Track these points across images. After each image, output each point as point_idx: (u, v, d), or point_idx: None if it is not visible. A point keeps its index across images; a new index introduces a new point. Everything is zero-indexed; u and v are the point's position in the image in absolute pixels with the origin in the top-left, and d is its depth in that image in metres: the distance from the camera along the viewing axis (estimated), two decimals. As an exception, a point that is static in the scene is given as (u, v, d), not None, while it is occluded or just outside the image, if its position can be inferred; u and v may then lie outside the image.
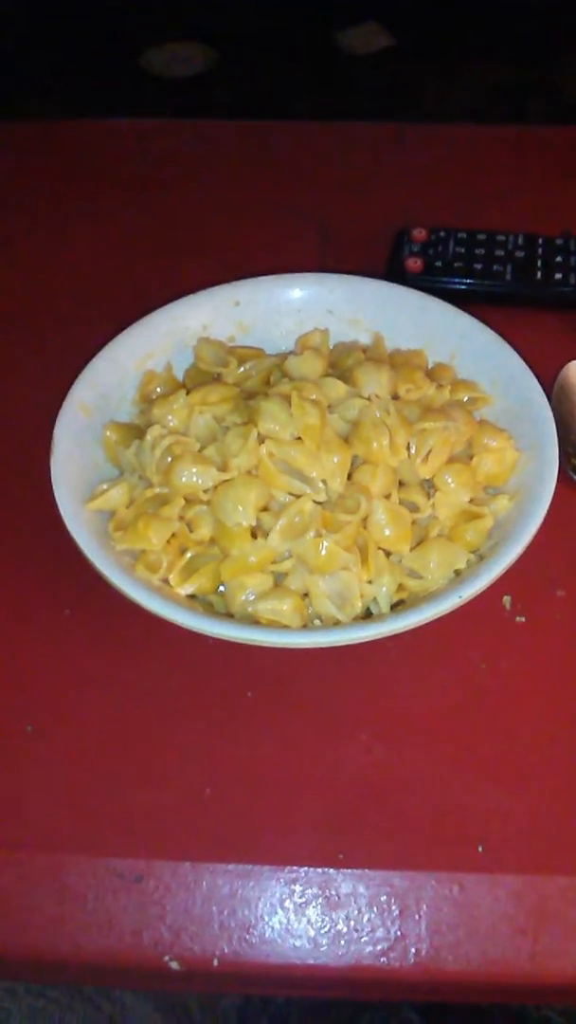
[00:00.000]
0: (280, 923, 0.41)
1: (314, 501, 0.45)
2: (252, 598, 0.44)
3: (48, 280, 0.65)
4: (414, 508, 0.47)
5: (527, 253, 0.62)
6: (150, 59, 1.99)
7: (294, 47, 1.99)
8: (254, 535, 0.45)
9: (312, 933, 0.41)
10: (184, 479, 0.46)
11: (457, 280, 0.62)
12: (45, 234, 0.68)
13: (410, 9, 2.05)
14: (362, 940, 0.40)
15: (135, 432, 0.50)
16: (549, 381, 0.55)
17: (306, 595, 0.45)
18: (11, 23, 2.03)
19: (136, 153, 0.75)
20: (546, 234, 0.63)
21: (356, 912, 0.41)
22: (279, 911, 0.41)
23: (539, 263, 0.62)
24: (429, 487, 0.48)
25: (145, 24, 2.05)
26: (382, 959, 0.40)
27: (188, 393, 0.49)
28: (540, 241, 0.63)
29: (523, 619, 0.48)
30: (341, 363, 0.52)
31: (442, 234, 0.64)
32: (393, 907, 0.41)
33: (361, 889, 0.41)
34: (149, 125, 0.80)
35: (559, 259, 0.62)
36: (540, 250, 0.63)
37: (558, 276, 0.61)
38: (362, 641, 0.41)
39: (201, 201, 0.71)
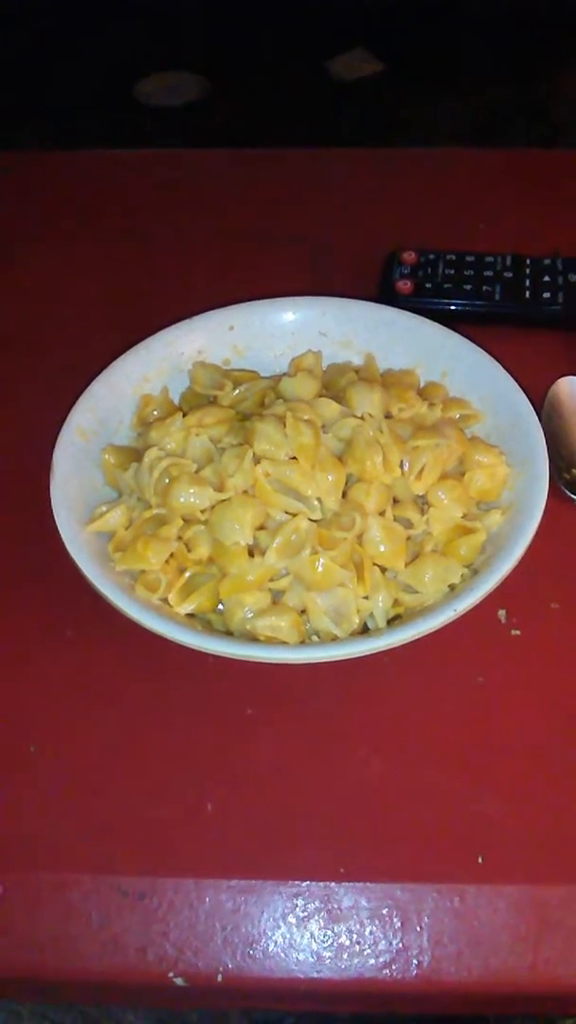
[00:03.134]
0: (283, 937, 0.41)
1: (310, 519, 0.46)
2: (250, 615, 0.45)
3: (45, 307, 0.66)
4: (408, 524, 0.47)
5: (515, 273, 0.63)
6: (143, 89, 2.02)
7: (284, 75, 2.02)
8: (251, 554, 0.46)
9: (315, 947, 0.41)
10: (182, 500, 0.47)
11: (447, 301, 0.62)
12: (42, 262, 0.69)
13: (398, 35, 2.08)
14: (364, 953, 0.41)
15: (133, 455, 0.50)
16: (539, 398, 0.56)
17: (303, 611, 0.46)
18: (4, 54, 2.06)
19: (130, 182, 0.77)
20: (534, 255, 0.65)
21: (358, 925, 0.41)
22: (282, 925, 0.41)
23: (528, 283, 0.63)
24: (423, 503, 0.49)
25: (138, 54, 2.08)
26: (384, 971, 0.40)
27: (184, 416, 0.50)
28: (528, 262, 0.64)
29: (518, 632, 0.48)
30: (334, 384, 0.53)
31: (432, 256, 0.65)
32: (395, 919, 0.41)
33: (363, 902, 0.41)
34: (143, 155, 0.81)
35: (547, 279, 0.63)
36: (528, 270, 0.64)
37: (546, 295, 0.62)
38: (359, 656, 0.42)
39: (195, 228, 0.72)
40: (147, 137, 1.86)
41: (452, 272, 0.64)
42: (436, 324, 0.55)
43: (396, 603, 0.46)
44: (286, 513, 0.47)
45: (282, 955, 0.41)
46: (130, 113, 1.96)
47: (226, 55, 2.07)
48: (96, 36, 2.10)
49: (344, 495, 0.47)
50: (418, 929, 0.41)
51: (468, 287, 0.63)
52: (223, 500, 0.46)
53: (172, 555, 0.46)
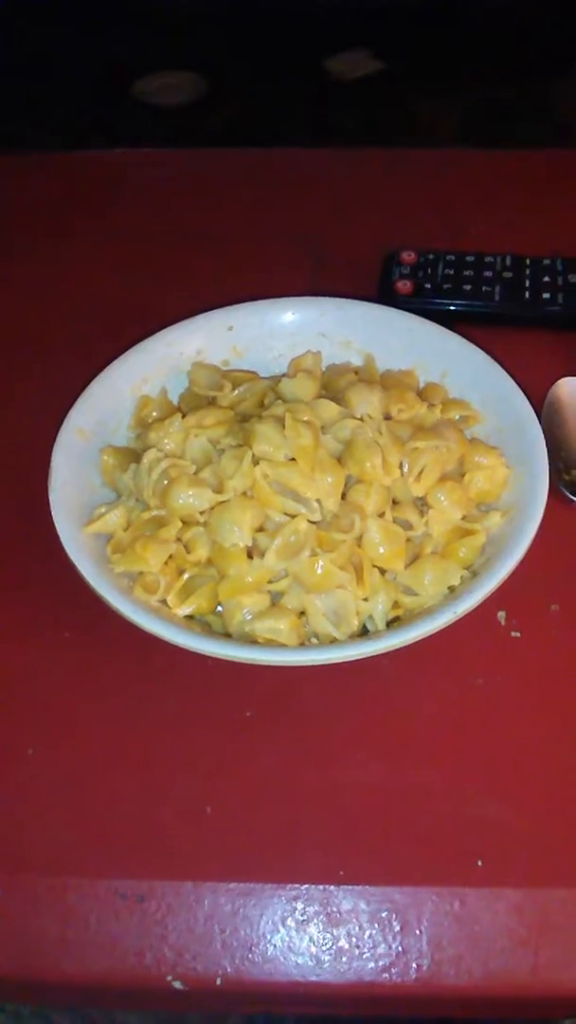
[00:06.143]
0: (282, 941, 0.41)
1: (309, 521, 0.46)
2: (249, 617, 0.45)
3: (45, 307, 0.66)
4: (408, 526, 0.47)
5: (515, 274, 0.63)
6: (143, 87, 2.02)
7: (284, 74, 2.02)
8: (250, 555, 0.46)
9: (314, 950, 0.41)
10: (181, 501, 0.46)
11: (447, 301, 0.62)
12: (42, 262, 0.69)
13: (398, 34, 2.08)
14: (364, 956, 0.41)
15: (132, 456, 0.50)
16: (539, 399, 0.55)
17: (302, 614, 0.45)
18: (5, 54, 2.06)
19: (129, 181, 0.77)
20: (534, 255, 0.64)
21: (357, 928, 0.41)
22: (281, 929, 0.41)
23: (527, 283, 0.63)
24: (422, 505, 0.49)
25: (138, 53, 2.08)
26: (384, 975, 0.40)
27: (183, 417, 0.50)
28: (528, 262, 0.64)
29: (518, 634, 0.48)
30: (334, 384, 0.53)
31: (431, 256, 0.64)
32: (394, 923, 0.41)
33: (362, 905, 0.41)
34: (143, 154, 0.81)
35: (547, 279, 0.63)
36: (528, 271, 0.63)
37: (546, 296, 0.62)
38: (359, 658, 0.42)
39: (195, 227, 0.72)
40: (146, 136, 1.86)
41: (452, 272, 0.64)
42: (436, 325, 0.55)
43: (396, 605, 0.46)
44: (285, 515, 0.46)
45: (281, 958, 0.41)
46: (129, 112, 1.96)
47: (226, 54, 2.07)
48: (95, 35, 2.09)
49: (343, 497, 0.47)
50: (417, 932, 0.41)
51: (468, 287, 0.63)
52: (222, 501, 0.46)
53: (171, 557, 0.46)
